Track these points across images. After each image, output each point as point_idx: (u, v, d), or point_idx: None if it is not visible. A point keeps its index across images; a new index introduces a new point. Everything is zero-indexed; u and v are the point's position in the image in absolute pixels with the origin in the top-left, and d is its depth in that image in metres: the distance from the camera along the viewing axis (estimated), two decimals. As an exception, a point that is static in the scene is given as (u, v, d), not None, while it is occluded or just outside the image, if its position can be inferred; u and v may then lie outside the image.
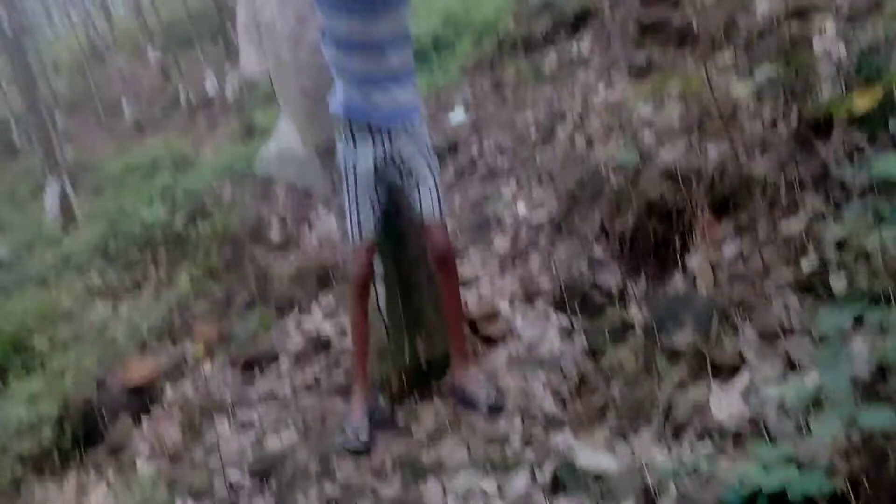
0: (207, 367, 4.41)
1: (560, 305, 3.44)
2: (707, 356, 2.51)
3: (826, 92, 3.32)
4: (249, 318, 4.67)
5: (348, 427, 2.97)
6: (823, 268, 2.61)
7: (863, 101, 2.63)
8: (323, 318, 4.43)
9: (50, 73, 34.16)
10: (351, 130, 2.91)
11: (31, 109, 13.24)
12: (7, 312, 6.87)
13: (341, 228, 3.33)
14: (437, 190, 2.97)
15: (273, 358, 4.08)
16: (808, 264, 2.67)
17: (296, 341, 4.19)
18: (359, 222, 2.95)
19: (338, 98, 2.90)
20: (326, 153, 3.20)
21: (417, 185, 2.95)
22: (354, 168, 2.92)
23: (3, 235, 12.76)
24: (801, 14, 4.33)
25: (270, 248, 5.89)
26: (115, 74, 26.75)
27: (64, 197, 11.05)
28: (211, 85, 23.28)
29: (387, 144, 2.90)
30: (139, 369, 4.60)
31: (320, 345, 4.02)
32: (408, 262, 3.24)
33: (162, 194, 9.07)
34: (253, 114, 14.99)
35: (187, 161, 13.03)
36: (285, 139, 3.37)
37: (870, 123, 2.95)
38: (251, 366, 4.10)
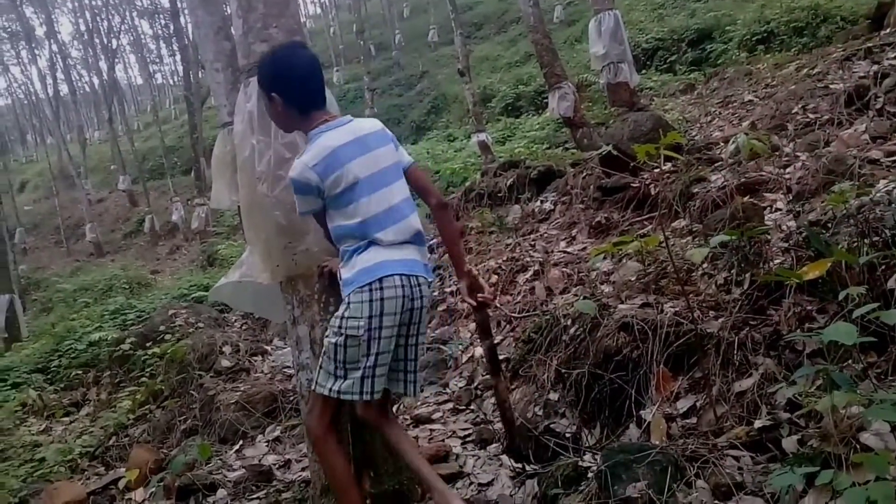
0: (140, 493, 4.18)
1: (513, 449, 3.38)
2: (660, 508, 2.47)
3: (777, 260, 3.50)
4: (190, 445, 4.48)
5: None
6: (775, 427, 2.65)
7: (812, 271, 2.74)
8: (267, 449, 4.28)
9: (15, 192, 34.27)
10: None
11: (-10, 225, 13.13)
12: (-70, 426, 6.51)
13: (297, 361, 3.22)
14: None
15: (211, 488, 3.89)
16: (760, 423, 2.70)
17: (237, 472, 4.02)
18: (372, 377, 2.63)
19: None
20: (289, 286, 3.19)
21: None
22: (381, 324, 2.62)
23: (-62, 347, 12.28)
24: (752, 188, 4.63)
25: (220, 376, 5.74)
26: (82, 197, 26.93)
27: (11, 312, 10.73)
28: (177, 214, 23.52)
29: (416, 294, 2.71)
30: (66, 492, 4.34)
31: (262, 477, 3.85)
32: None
33: (113, 315, 8.93)
34: (215, 244, 15.10)
35: (144, 285, 12.92)
36: (247, 270, 3.36)
37: (819, 292, 3.09)
38: (186, 495, 3.89)
